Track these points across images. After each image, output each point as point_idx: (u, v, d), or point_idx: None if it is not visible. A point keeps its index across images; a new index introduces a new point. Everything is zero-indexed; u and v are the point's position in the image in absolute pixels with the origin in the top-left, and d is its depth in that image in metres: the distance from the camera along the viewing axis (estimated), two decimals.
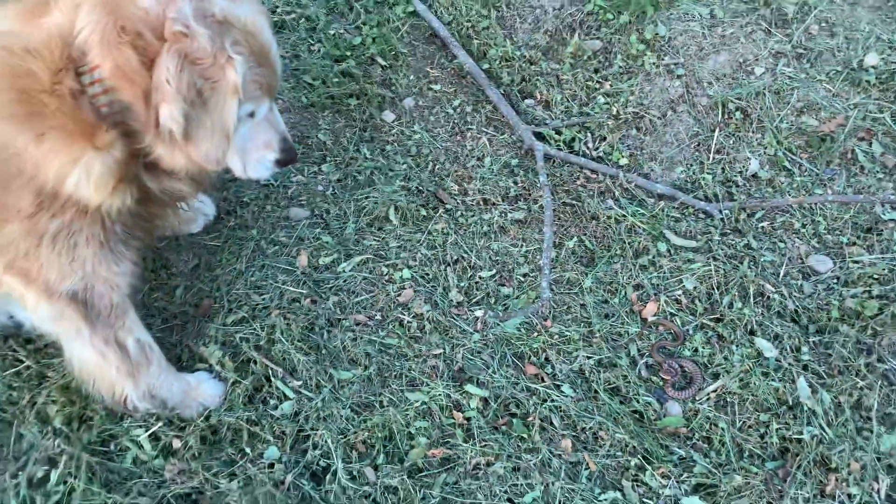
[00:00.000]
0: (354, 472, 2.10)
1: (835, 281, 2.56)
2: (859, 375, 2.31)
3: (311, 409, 2.21)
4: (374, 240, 2.68)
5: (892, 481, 2.14)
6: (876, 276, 2.52)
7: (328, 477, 2.09)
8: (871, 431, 2.21)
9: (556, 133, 2.96)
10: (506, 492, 2.09)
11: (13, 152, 1.66)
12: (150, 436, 2.10)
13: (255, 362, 2.28)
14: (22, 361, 2.20)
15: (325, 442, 2.14)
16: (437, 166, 2.94)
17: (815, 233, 2.69)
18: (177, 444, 2.10)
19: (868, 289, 2.50)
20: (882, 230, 2.65)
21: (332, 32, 3.32)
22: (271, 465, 2.09)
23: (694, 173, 2.87)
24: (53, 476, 1.98)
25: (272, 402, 2.22)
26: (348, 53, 3.23)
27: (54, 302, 1.89)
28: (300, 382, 2.27)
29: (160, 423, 2.12)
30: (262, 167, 2.02)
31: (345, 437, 2.16)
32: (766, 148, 2.89)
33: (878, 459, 2.17)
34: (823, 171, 2.84)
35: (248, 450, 2.12)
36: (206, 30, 1.62)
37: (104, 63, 1.62)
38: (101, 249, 1.87)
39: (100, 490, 1.98)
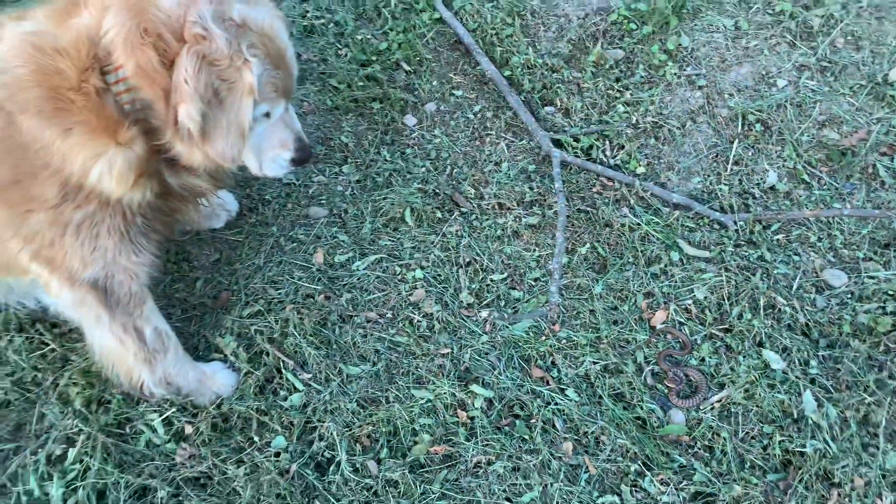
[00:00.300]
0: (357, 465, 2.16)
1: (849, 296, 2.54)
2: (868, 391, 2.29)
3: (319, 401, 2.28)
4: (390, 240, 2.74)
5: None
6: (891, 293, 2.49)
7: (332, 468, 2.15)
8: (878, 448, 2.19)
9: (574, 140, 2.99)
10: (504, 491, 2.13)
11: (41, 145, 1.76)
12: (163, 420, 2.18)
13: (268, 354, 2.35)
14: (47, 344, 2.31)
15: (331, 434, 2.20)
16: (455, 170, 2.99)
17: (832, 247, 2.66)
18: (189, 429, 2.18)
19: (882, 305, 2.48)
20: None
21: (359, 37, 3.40)
22: (277, 454, 2.16)
23: (711, 184, 2.87)
24: (71, 454, 2.08)
25: (282, 393, 2.29)
26: (374, 58, 3.31)
27: (76, 289, 1.99)
28: (310, 375, 2.34)
29: (173, 409, 2.20)
30: (277, 165, 2.09)
31: (350, 430, 2.22)
32: (785, 161, 2.87)
33: (884, 477, 2.15)
34: (843, 185, 2.81)
35: (256, 438, 2.19)
36: (223, 32, 1.71)
37: (127, 63, 1.71)
38: (121, 240, 1.96)
39: (113, 470, 2.07)
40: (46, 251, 1.93)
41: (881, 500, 2.12)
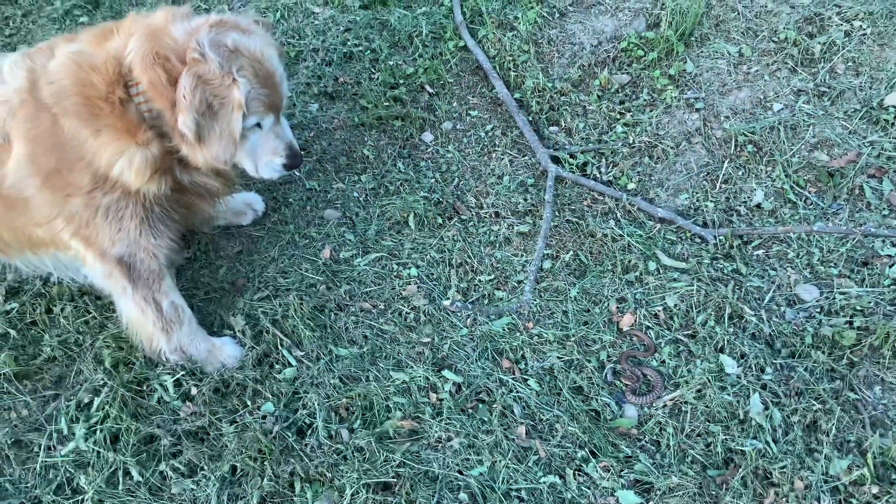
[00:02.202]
0: (332, 432, 2.44)
1: (818, 310, 2.61)
2: (819, 399, 2.37)
3: (307, 376, 2.59)
4: (392, 241, 3.04)
5: (835, 503, 2.19)
6: (860, 308, 2.55)
7: (310, 433, 2.44)
8: (822, 454, 2.26)
9: (571, 157, 3.20)
10: (458, 464, 2.35)
11: (78, 142, 2.19)
12: (174, 381, 2.55)
13: (269, 332, 2.69)
14: (90, 313, 2.74)
15: (313, 403, 2.50)
16: (461, 182, 3.27)
17: (809, 263, 2.74)
18: (194, 391, 2.54)
19: (850, 319, 2.54)
20: (876, 264, 2.66)
21: (391, 63, 3.76)
22: (264, 417, 2.48)
23: (698, 200, 3.01)
24: (95, 402, 2.47)
25: (277, 366, 2.62)
26: (401, 81, 3.65)
27: (106, 263, 2.41)
28: (303, 353, 2.65)
29: (183, 373, 2.57)
30: (271, 169, 2.46)
31: (329, 400, 2.51)
32: (773, 181, 2.97)
33: (826, 482, 2.22)
34: (829, 205, 2.88)
35: (249, 403, 2.52)
36: (217, 56, 2.09)
37: (142, 79, 2.13)
38: (141, 224, 2.36)
39: (127, 418, 2.44)
40: (83, 230, 2.35)
41: (819, 503, 2.19)
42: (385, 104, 3.56)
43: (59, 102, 2.16)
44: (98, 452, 2.37)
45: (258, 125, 2.31)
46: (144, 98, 2.16)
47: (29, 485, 2.34)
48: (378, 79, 3.70)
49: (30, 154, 2.21)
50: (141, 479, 2.32)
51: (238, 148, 2.25)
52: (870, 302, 2.56)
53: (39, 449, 2.40)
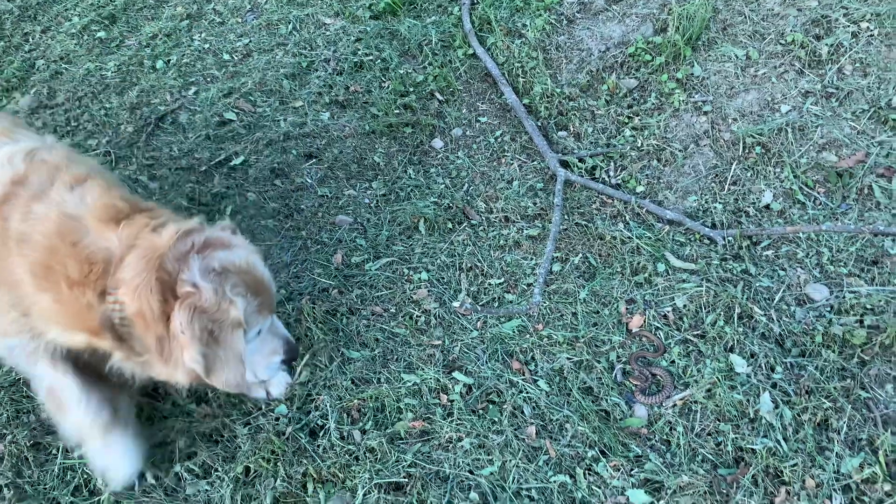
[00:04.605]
0: (344, 433, 2.47)
1: (828, 309, 2.61)
2: (829, 398, 2.36)
3: (320, 378, 2.62)
4: (403, 246, 3.07)
5: (847, 502, 2.18)
6: (870, 307, 2.55)
7: (322, 434, 2.47)
8: (833, 451, 2.26)
9: (580, 161, 3.23)
10: (468, 464, 2.36)
11: (22, 293, 2.06)
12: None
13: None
14: None
15: (325, 405, 2.53)
16: (471, 187, 3.30)
17: (818, 263, 2.74)
18: (210, 394, 2.58)
19: (860, 318, 2.53)
20: (886, 263, 2.66)
21: (401, 72, 3.82)
22: (277, 419, 2.51)
23: (706, 202, 3.02)
24: None
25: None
26: (411, 89, 3.70)
27: None
28: (316, 357, 2.68)
29: None
30: (270, 370, 2.36)
31: (342, 402, 2.54)
32: (782, 182, 2.98)
33: (837, 479, 2.22)
34: (838, 205, 2.88)
35: (262, 405, 2.55)
36: (210, 284, 1.97)
37: (131, 306, 1.95)
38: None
39: (144, 422, 2.49)
40: None
41: (830, 501, 2.19)
42: (395, 112, 3.61)
43: (21, 251, 2.01)
44: None
45: (257, 332, 2.24)
46: (119, 308, 1.98)
47: (47, 486, 2.38)
48: (388, 87, 3.76)
49: None
50: (156, 481, 2.36)
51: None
52: (880, 300, 2.55)
53: (57, 451, 2.45)
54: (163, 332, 1.97)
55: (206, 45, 4.13)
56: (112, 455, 2.27)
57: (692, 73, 3.37)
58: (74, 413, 2.22)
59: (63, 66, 4.04)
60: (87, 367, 2.25)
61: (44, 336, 2.12)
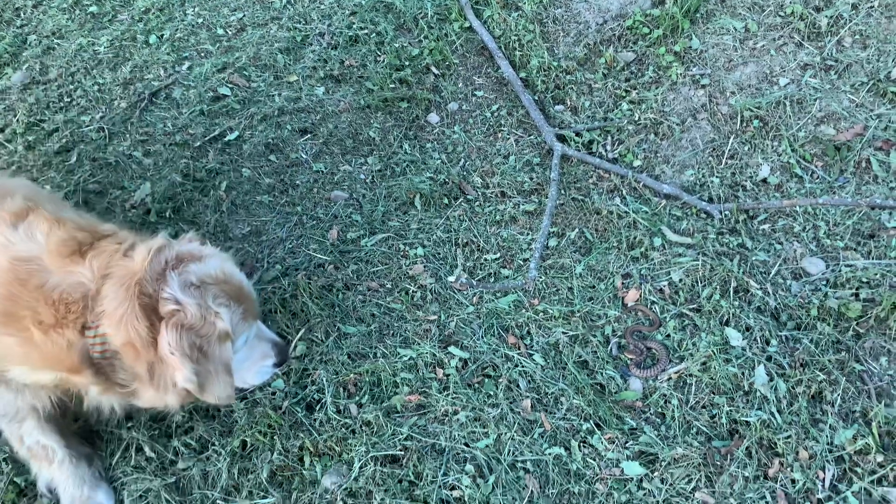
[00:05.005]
0: (341, 407, 2.48)
1: (824, 283, 2.61)
2: (824, 370, 2.37)
3: (316, 353, 2.62)
4: (398, 221, 3.06)
5: (840, 473, 2.20)
6: (866, 280, 2.54)
7: (318, 408, 2.48)
8: (827, 424, 2.27)
9: (577, 135, 3.21)
10: (464, 437, 2.38)
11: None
12: None
13: (278, 312, 2.73)
14: None
15: (322, 380, 2.54)
16: (467, 162, 3.28)
17: (815, 237, 2.74)
18: None
19: (856, 292, 2.53)
20: (883, 236, 2.65)
21: (396, 45, 3.78)
22: (274, 393, 2.52)
23: (703, 176, 3.00)
24: None
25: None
26: (407, 63, 3.67)
27: None
28: (312, 332, 2.69)
29: None
30: (262, 374, 2.30)
31: (338, 376, 2.54)
32: (780, 155, 2.96)
33: (830, 451, 2.23)
34: (835, 178, 2.87)
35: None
36: (192, 299, 1.92)
37: (116, 336, 1.89)
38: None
39: None
40: None
41: (823, 472, 2.20)
42: (391, 86, 3.57)
43: None
44: (111, 432, 2.42)
45: (245, 339, 2.19)
46: (101, 341, 1.93)
47: None
48: (383, 61, 3.72)
49: None
50: (154, 454, 2.37)
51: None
52: (876, 274, 2.55)
53: None
54: (153, 358, 1.92)
55: (200, 20, 4.08)
56: None
57: (690, 46, 3.34)
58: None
59: (55, 41, 4.00)
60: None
61: (4, 374, 2.04)
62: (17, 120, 3.47)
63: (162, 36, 3.99)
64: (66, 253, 1.94)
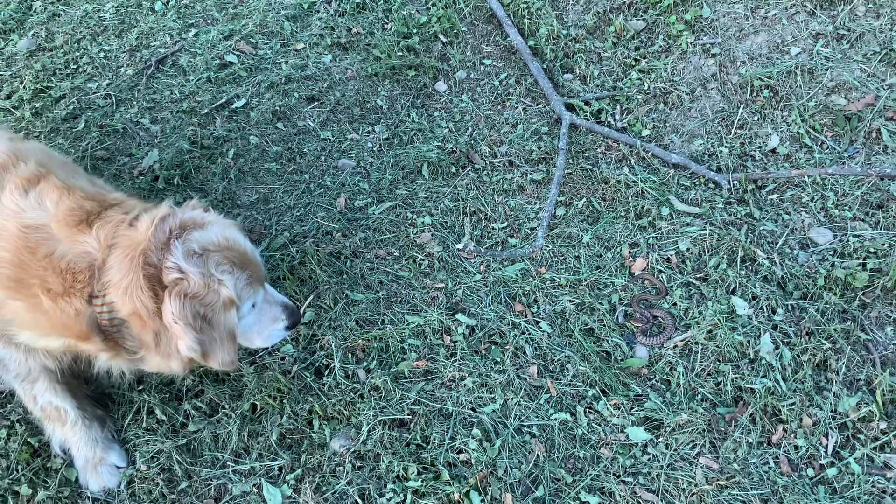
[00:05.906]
0: (349, 372, 2.51)
1: (831, 253, 2.61)
2: (829, 339, 2.38)
3: (325, 319, 2.65)
4: (406, 190, 3.06)
5: (843, 439, 2.22)
6: (873, 250, 2.55)
7: (327, 373, 2.51)
8: (831, 391, 2.29)
9: (586, 104, 3.19)
10: (471, 402, 2.41)
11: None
12: None
13: (287, 279, 2.75)
14: None
15: (330, 345, 2.56)
16: (475, 131, 3.27)
17: (823, 207, 2.73)
18: None
19: (863, 261, 2.54)
20: (891, 207, 2.65)
21: (404, 13, 3.74)
22: (283, 358, 2.55)
23: (712, 146, 2.99)
24: None
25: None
26: (414, 31, 3.64)
27: None
28: (320, 298, 2.71)
29: None
30: (274, 337, 2.28)
31: (346, 342, 2.57)
32: (789, 125, 2.95)
33: (833, 418, 2.25)
34: (845, 149, 2.86)
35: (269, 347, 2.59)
36: (195, 267, 1.91)
37: (123, 306, 1.90)
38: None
39: None
40: None
41: (826, 438, 2.23)
42: (398, 54, 3.55)
43: None
44: (122, 394, 2.45)
45: (252, 305, 2.17)
46: (108, 309, 1.94)
47: None
48: (391, 28, 3.69)
49: None
50: (165, 417, 2.41)
51: (239, 338, 2.10)
52: (884, 244, 2.55)
53: None
54: (159, 327, 1.93)
55: None
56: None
57: (701, 15, 3.31)
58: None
59: (61, 7, 3.97)
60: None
61: (13, 338, 2.06)
62: (24, 87, 3.46)
63: (168, 3, 3.96)
64: (73, 222, 1.94)
